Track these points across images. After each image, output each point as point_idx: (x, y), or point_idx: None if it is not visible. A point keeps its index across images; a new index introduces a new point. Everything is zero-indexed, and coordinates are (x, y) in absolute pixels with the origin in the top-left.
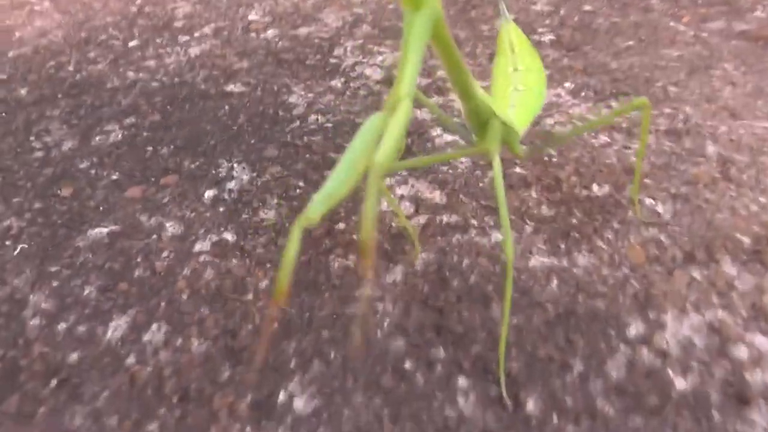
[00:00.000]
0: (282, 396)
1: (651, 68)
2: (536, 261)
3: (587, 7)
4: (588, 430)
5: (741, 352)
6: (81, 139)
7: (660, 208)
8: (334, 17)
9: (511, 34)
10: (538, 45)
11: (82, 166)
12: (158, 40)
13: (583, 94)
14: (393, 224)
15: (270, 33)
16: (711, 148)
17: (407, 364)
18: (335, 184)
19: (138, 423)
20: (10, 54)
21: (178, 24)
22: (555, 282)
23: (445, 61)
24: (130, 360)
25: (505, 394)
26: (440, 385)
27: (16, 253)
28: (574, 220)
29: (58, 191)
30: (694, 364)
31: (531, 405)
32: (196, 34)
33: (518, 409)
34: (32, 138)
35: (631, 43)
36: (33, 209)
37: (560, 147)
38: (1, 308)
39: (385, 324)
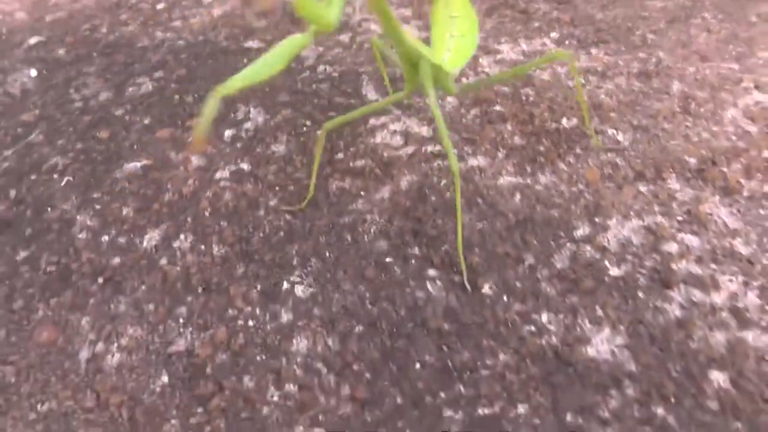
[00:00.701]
0: (285, 285)
1: (634, 18)
2: (504, 180)
3: None
4: (532, 308)
5: (671, 248)
6: (115, 91)
7: (620, 137)
8: None
9: None
10: None
11: (117, 113)
12: (184, 3)
13: (566, 42)
14: (385, 154)
15: None
16: (676, 86)
17: (387, 260)
18: (252, 74)
19: (170, 309)
20: (48, 18)
21: None
22: (518, 196)
23: (375, 9)
24: (163, 262)
25: (465, 280)
26: (413, 275)
27: (62, 184)
28: (542, 148)
29: (97, 134)
30: (629, 257)
31: (486, 288)
32: None
33: (476, 291)
34: (71, 91)
35: None
36: (75, 149)
37: (491, 87)
38: (53, 226)
39: (372, 230)
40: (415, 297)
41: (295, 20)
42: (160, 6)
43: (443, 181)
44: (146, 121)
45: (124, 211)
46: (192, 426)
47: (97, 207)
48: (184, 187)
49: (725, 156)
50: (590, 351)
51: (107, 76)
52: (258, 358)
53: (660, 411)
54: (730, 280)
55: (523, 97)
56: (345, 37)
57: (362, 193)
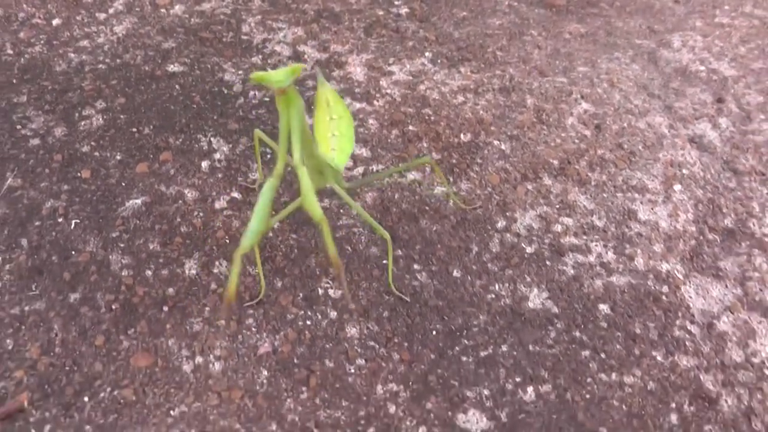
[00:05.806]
0: (320, 291)
1: (483, 36)
2: (438, 189)
3: None
4: (487, 282)
5: (557, 228)
6: (67, 125)
7: (503, 147)
8: None
9: (326, 92)
10: (398, 17)
11: (85, 149)
12: (78, 18)
13: (439, 61)
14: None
15: (178, 9)
16: (529, 100)
17: (384, 262)
18: (256, 230)
19: (240, 321)
20: None
21: None
22: (451, 202)
23: (301, 134)
24: (213, 286)
25: (397, 292)
26: (405, 270)
27: (72, 227)
28: (454, 160)
29: (78, 174)
30: (534, 237)
31: (455, 273)
32: (111, 11)
33: (449, 276)
34: (18, 126)
35: (465, 13)
36: (63, 191)
37: (373, 186)
38: (91, 268)
39: (362, 240)
40: (413, 285)
41: (203, 40)
42: (56, 22)
43: (396, 195)
44: (118, 157)
45: (151, 247)
46: (304, 400)
47: (122, 245)
48: (194, 220)
49: (575, 156)
50: (530, 305)
51: (45, 107)
52: (327, 345)
53: (577, 334)
54: (596, 245)
55: (426, 117)
56: (256, 59)
57: (341, 210)
